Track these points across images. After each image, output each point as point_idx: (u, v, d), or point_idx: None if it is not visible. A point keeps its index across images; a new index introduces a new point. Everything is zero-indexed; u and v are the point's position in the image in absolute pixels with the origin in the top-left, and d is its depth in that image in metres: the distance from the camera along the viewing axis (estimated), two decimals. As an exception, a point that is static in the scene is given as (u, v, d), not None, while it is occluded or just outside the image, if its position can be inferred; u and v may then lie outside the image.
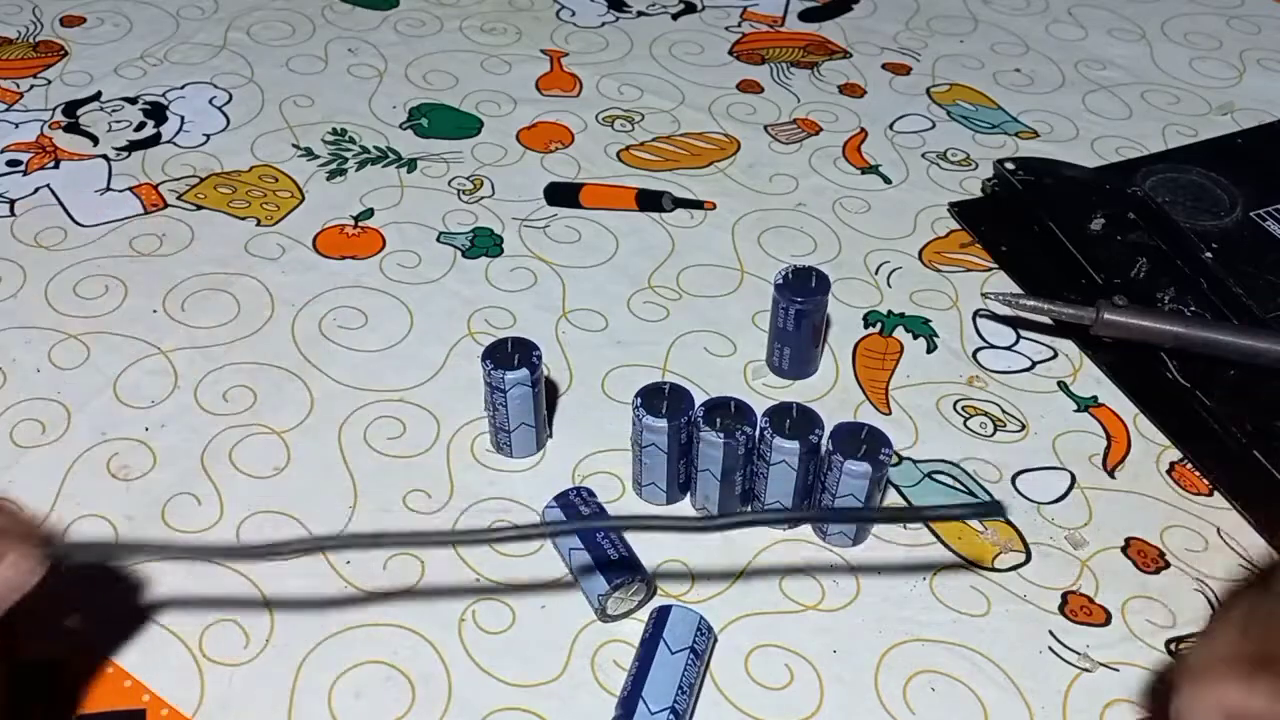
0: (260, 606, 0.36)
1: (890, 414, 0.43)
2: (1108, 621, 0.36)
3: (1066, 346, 0.46)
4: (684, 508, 0.39)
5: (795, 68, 0.62)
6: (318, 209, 0.51)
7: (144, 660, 0.34)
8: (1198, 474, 0.41)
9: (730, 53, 0.63)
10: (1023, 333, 0.46)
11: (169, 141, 0.55)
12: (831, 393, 0.43)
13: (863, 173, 0.55)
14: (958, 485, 0.40)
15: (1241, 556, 0.38)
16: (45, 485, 0.39)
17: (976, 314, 0.47)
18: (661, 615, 0.34)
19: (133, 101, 0.58)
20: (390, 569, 0.37)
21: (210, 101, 0.58)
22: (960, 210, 0.52)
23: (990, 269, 0.49)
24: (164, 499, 0.39)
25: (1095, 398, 0.44)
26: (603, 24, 0.66)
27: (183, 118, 0.57)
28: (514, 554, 0.37)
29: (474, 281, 0.48)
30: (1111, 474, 0.41)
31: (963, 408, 0.43)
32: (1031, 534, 0.39)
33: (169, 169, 0.53)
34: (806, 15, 0.67)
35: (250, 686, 0.34)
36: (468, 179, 0.53)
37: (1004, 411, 0.43)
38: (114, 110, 0.57)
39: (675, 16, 0.67)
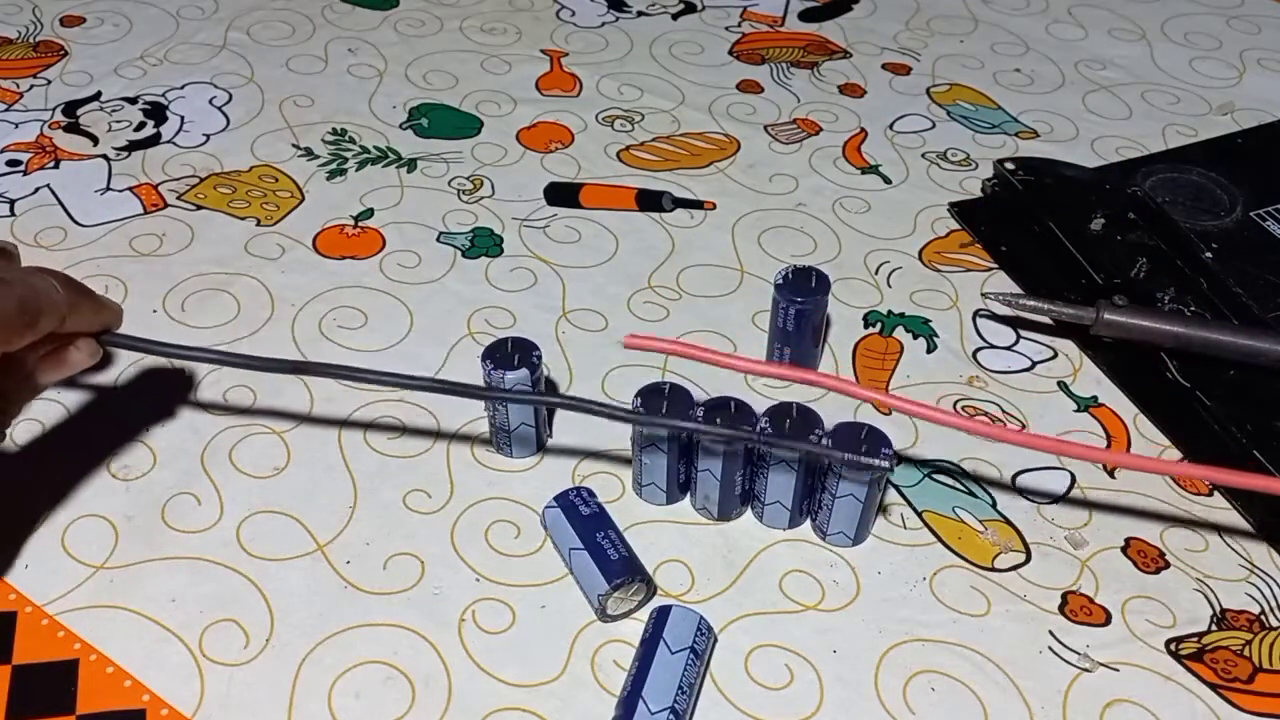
0: (260, 606, 0.36)
1: (890, 414, 0.43)
2: (1108, 621, 0.36)
3: (1066, 346, 0.46)
4: (685, 511, 0.39)
5: (795, 68, 0.62)
6: (318, 209, 0.51)
7: (144, 660, 0.34)
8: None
9: (730, 53, 0.63)
10: (1023, 333, 0.46)
11: (169, 141, 0.55)
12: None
13: (863, 173, 0.55)
14: (958, 485, 0.40)
15: (1241, 556, 0.38)
16: (46, 484, 0.39)
17: (976, 314, 0.47)
18: (661, 615, 0.34)
19: (133, 101, 0.58)
20: (390, 569, 0.37)
21: (210, 101, 0.58)
22: (960, 210, 0.52)
23: (990, 269, 0.49)
24: (164, 499, 0.39)
25: (1095, 398, 0.44)
26: (603, 24, 0.66)
27: (183, 118, 0.57)
28: (514, 554, 0.37)
29: (474, 281, 0.48)
30: (1111, 474, 0.41)
31: (963, 408, 0.43)
32: (1031, 534, 0.39)
33: (169, 169, 0.53)
34: (806, 15, 0.67)
35: (250, 686, 0.34)
36: (468, 179, 0.53)
37: (1004, 411, 0.43)
38: (114, 110, 0.57)
39: (675, 16, 0.67)
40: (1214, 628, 0.36)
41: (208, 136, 0.56)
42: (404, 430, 0.41)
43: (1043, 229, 0.48)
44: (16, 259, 0.35)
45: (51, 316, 0.32)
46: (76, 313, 0.33)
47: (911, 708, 0.34)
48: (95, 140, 0.55)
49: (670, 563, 0.37)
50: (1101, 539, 0.39)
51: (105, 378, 0.43)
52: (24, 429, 0.41)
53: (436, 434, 0.41)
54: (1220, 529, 0.39)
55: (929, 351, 0.45)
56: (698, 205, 0.52)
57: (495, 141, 0.56)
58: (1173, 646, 0.35)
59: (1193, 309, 0.44)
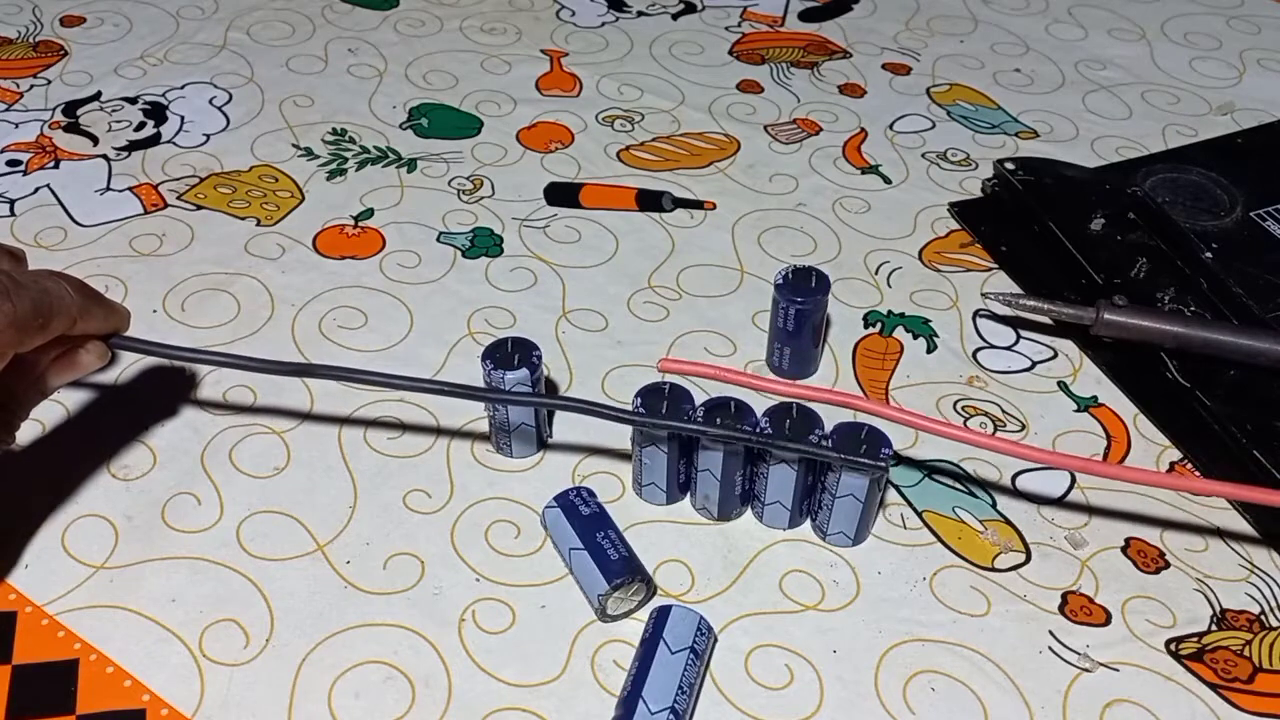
0: (260, 606, 0.36)
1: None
2: (1108, 621, 0.36)
3: (1066, 346, 0.46)
4: (685, 511, 0.39)
5: (795, 68, 0.62)
6: (318, 209, 0.51)
7: (144, 660, 0.34)
8: (1198, 474, 0.41)
9: (730, 53, 0.63)
10: (1023, 333, 0.46)
11: (169, 141, 0.55)
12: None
13: (863, 173, 0.55)
14: (958, 485, 0.40)
15: (1241, 556, 0.38)
16: (46, 484, 0.39)
17: (976, 314, 0.47)
18: (661, 615, 0.34)
19: (133, 101, 0.58)
20: (390, 569, 0.37)
21: (210, 101, 0.58)
22: (960, 210, 0.52)
23: (990, 269, 0.49)
24: (164, 499, 0.39)
25: (1095, 398, 0.44)
26: (603, 24, 0.66)
27: (183, 118, 0.57)
28: (514, 554, 0.37)
29: (474, 281, 0.48)
30: (1119, 464, 0.41)
31: (963, 408, 0.43)
32: (1031, 534, 0.39)
33: (169, 169, 0.53)
34: (806, 15, 0.67)
35: (250, 686, 0.34)
36: (468, 179, 0.53)
37: (1004, 411, 0.43)
38: (114, 110, 0.57)
39: (675, 16, 0.67)
40: (1214, 628, 0.36)
41: (208, 136, 0.56)
42: (404, 430, 0.41)
43: (1043, 229, 0.48)
44: (25, 263, 0.35)
45: (63, 318, 0.32)
46: (87, 315, 0.34)
47: (911, 708, 0.34)
48: (95, 140, 0.55)
49: (670, 563, 0.37)
50: (1101, 539, 0.39)
51: (105, 378, 0.43)
52: (24, 429, 0.40)
53: (436, 434, 0.41)
54: (1220, 528, 0.39)
55: (929, 351, 0.45)
56: (698, 205, 0.52)
57: (495, 141, 0.56)
58: (1173, 646, 0.35)
59: (1193, 309, 0.44)
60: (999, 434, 0.42)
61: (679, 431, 0.36)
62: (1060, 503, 0.40)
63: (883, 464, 0.34)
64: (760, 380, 0.37)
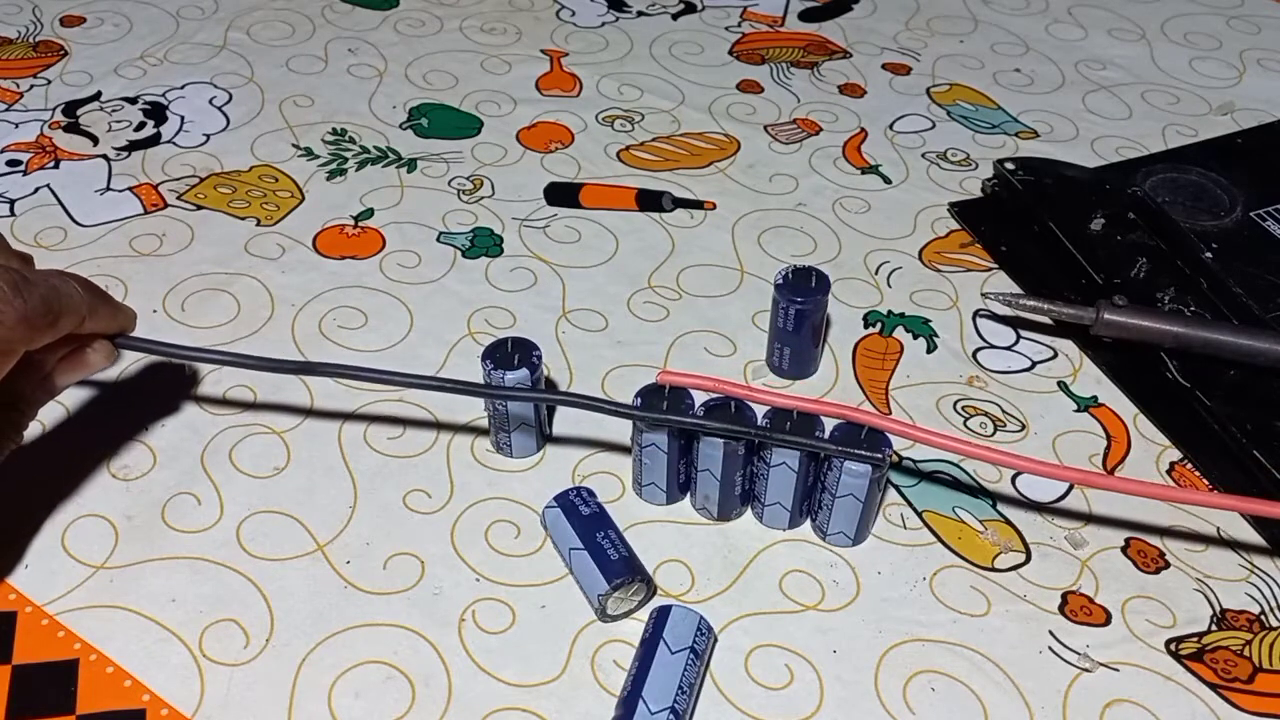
0: (260, 606, 0.36)
1: (890, 414, 0.43)
2: (1108, 621, 0.36)
3: (1066, 346, 0.46)
4: (685, 511, 0.39)
5: (795, 68, 0.62)
6: (318, 209, 0.51)
7: (144, 660, 0.34)
8: (1198, 474, 0.41)
9: (730, 53, 0.63)
10: (1023, 333, 0.46)
11: (169, 141, 0.55)
12: (831, 393, 0.43)
13: (863, 173, 0.55)
14: (958, 486, 0.40)
15: (1241, 556, 0.38)
16: (46, 484, 0.39)
17: (976, 314, 0.47)
18: (661, 615, 0.34)
19: (133, 101, 0.58)
20: (390, 569, 0.37)
21: (210, 101, 0.58)
22: (960, 210, 0.52)
23: (990, 269, 0.49)
24: (164, 499, 0.39)
25: (1095, 398, 0.44)
26: (603, 24, 0.66)
27: (183, 118, 0.57)
28: (514, 554, 0.37)
29: (474, 281, 0.48)
30: (1111, 474, 0.41)
31: (963, 408, 0.43)
32: (1031, 534, 0.39)
33: (169, 169, 0.53)
34: (806, 15, 0.67)
35: (250, 686, 0.34)
36: (468, 179, 0.53)
37: (1004, 411, 0.43)
38: (114, 110, 0.57)
39: (675, 16, 0.67)
40: (1214, 628, 0.36)
41: (208, 136, 0.56)
42: (404, 430, 0.41)
43: (1043, 229, 0.48)
44: (32, 265, 0.35)
45: (72, 317, 0.33)
46: (95, 314, 0.34)
47: (911, 708, 0.34)
48: (95, 140, 0.55)
49: (670, 563, 0.37)
50: (1101, 539, 0.39)
51: (105, 378, 0.43)
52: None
53: (436, 434, 0.41)
54: (1220, 528, 0.39)
55: (929, 351, 0.45)
56: (698, 205, 0.52)
57: (495, 141, 0.56)
58: (1173, 646, 0.35)
59: (1193, 309, 0.44)
60: (999, 435, 0.42)
61: (680, 426, 0.36)
62: (1060, 503, 0.40)
63: (882, 457, 0.34)
64: (760, 393, 0.36)
